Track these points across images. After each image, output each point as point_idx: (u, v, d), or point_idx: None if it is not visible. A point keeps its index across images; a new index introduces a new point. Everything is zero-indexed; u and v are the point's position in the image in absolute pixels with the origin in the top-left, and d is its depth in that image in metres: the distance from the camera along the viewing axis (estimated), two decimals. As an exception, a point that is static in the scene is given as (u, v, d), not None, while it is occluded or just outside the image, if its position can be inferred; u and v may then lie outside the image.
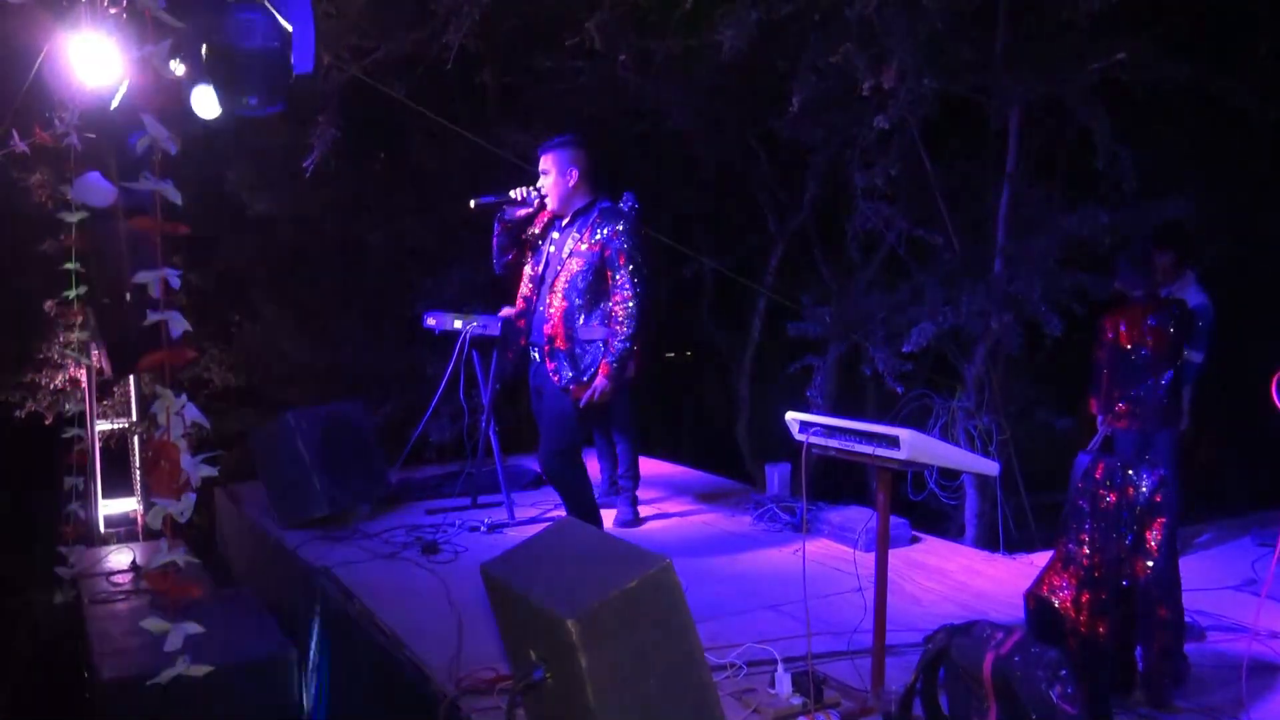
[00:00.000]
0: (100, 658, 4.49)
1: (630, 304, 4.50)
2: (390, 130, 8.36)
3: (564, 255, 4.58)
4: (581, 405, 4.54)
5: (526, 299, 4.75)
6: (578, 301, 4.54)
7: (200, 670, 3.15)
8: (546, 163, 4.63)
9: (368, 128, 8.07)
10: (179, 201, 2.97)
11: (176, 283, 3.02)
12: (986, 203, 6.99)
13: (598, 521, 4.81)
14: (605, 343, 4.53)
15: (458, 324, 5.72)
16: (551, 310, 4.58)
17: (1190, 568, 4.56)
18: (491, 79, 8.45)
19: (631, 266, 4.52)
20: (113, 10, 4.73)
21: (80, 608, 5.40)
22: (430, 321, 5.99)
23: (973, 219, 7.19)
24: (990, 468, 3.35)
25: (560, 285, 4.56)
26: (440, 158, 8.38)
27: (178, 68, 4.51)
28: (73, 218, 5.83)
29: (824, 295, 8.18)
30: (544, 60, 7.69)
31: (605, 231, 4.52)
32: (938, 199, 6.91)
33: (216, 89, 4.37)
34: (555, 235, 4.68)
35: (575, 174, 4.59)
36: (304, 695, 4.68)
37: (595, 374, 4.52)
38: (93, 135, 5.60)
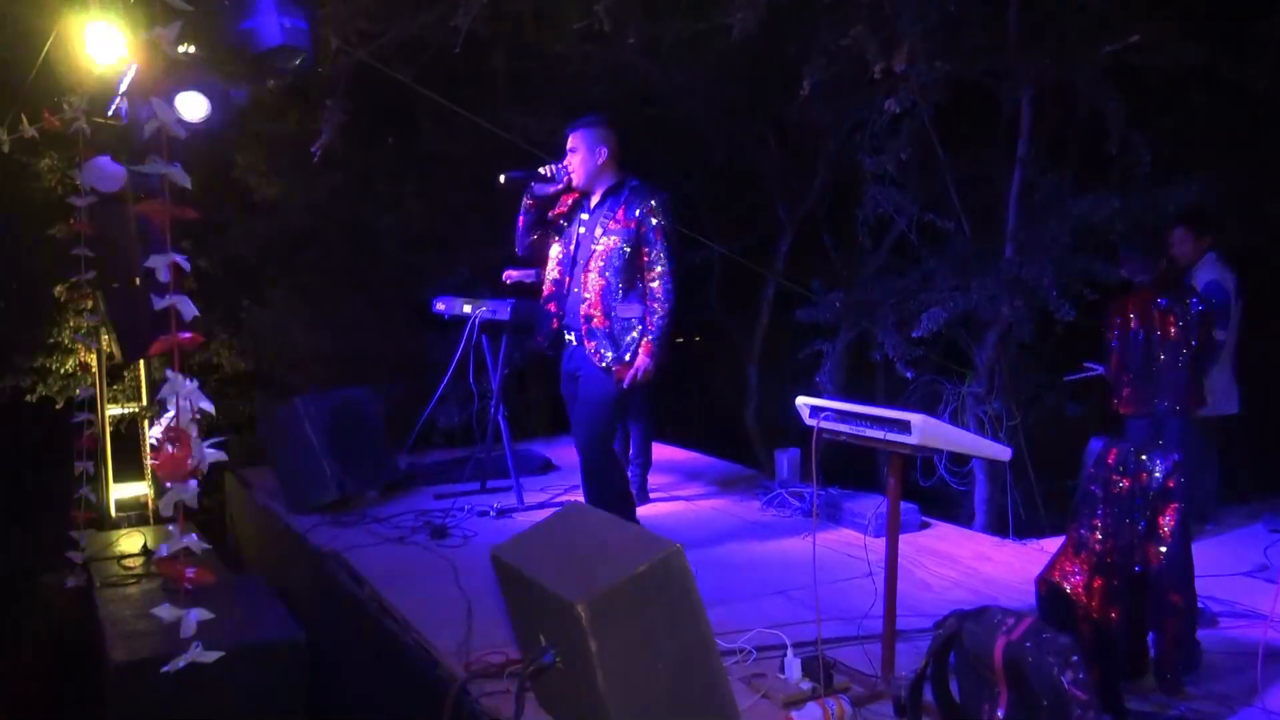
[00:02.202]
0: (111, 641, 4.50)
1: (668, 280, 4.48)
2: (398, 115, 8.34)
3: (596, 234, 4.53)
4: (625, 386, 4.49)
5: (556, 282, 4.69)
6: (615, 280, 4.49)
7: (211, 655, 3.16)
8: (575, 141, 4.58)
9: (376, 112, 8.05)
10: (188, 185, 2.96)
11: (188, 266, 3.02)
12: (998, 188, 6.96)
13: (632, 510, 4.76)
14: (644, 320, 4.48)
15: (467, 309, 5.71)
16: (587, 290, 4.53)
17: (1203, 554, 4.54)
18: (500, 63, 8.43)
19: (666, 243, 4.49)
20: (121, -7, 4.72)
21: (91, 591, 5.42)
22: (439, 306, 5.98)
23: (984, 204, 7.16)
24: (1001, 453, 3.34)
25: (595, 265, 4.51)
26: (448, 142, 8.36)
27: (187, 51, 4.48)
28: (82, 202, 5.84)
29: (834, 280, 8.16)
30: (553, 44, 7.66)
31: (640, 209, 4.48)
32: (949, 184, 6.87)
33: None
34: (584, 216, 4.63)
35: (604, 153, 4.55)
36: (313, 679, 4.69)
37: (636, 353, 4.47)
38: (101, 119, 5.60)
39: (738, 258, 8.42)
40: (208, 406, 3.18)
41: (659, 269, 4.48)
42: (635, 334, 4.49)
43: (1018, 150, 6.68)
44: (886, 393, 8.69)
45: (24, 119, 5.16)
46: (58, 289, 7.45)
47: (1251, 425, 7.97)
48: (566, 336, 4.66)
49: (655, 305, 4.47)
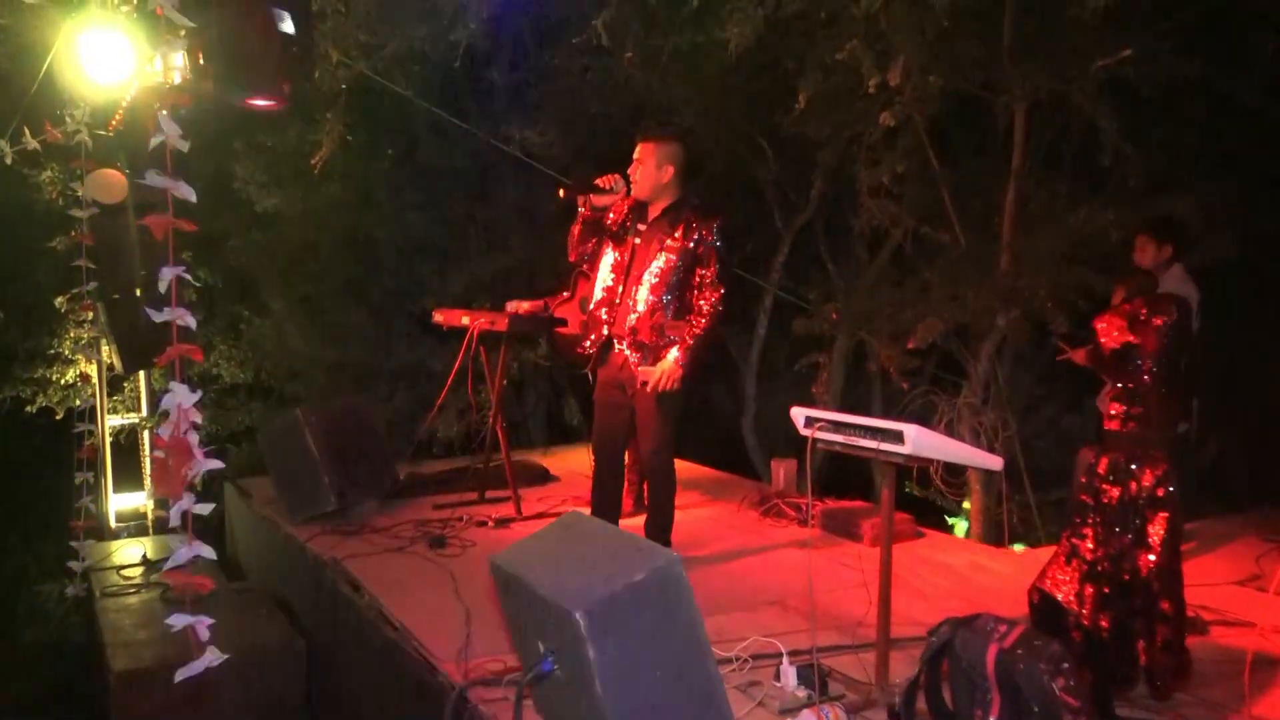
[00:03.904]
0: (112, 650, 4.54)
1: (716, 302, 4.50)
2: (398, 127, 8.39)
3: (653, 249, 4.56)
4: (648, 389, 4.49)
5: (609, 289, 4.69)
6: (666, 297, 4.53)
7: (219, 657, 3.20)
8: (642, 152, 4.57)
9: (376, 124, 8.10)
10: (194, 199, 3.00)
11: (196, 281, 3.06)
12: (993, 199, 7.00)
13: (670, 519, 4.79)
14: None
15: (465, 320, 5.74)
16: (638, 303, 4.56)
17: (1194, 563, 4.58)
18: (498, 75, 8.48)
19: (720, 266, 4.53)
20: (124, 8, 4.76)
21: (91, 601, 5.45)
22: (438, 317, 6.01)
23: (979, 216, 7.20)
24: (994, 463, 3.37)
25: (648, 279, 4.54)
26: (447, 154, 8.41)
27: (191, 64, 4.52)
28: (84, 214, 5.88)
29: (830, 292, 8.20)
30: (551, 57, 7.72)
31: (698, 230, 4.51)
32: (944, 196, 6.92)
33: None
34: (641, 227, 4.64)
35: (671, 170, 4.56)
36: (313, 688, 4.72)
37: (664, 360, 4.47)
38: (103, 132, 5.64)
39: (735, 269, 8.46)
40: (196, 419, 3.21)
41: (710, 290, 4.51)
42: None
43: (1012, 162, 6.72)
44: (884, 403, 8.73)
45: (26, 131, 5.20)
46: (58, 300, 7.48)
47: (1246, 435, 8.03)
48: (616, 346, 4.66)
49: (696, 319, 4.49)
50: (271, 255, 8.61)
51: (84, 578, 5.87)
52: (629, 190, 4.60)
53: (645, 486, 5.93)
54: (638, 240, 4.63)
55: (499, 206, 8.80)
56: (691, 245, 4.51)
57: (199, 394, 3.07)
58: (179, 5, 2.99)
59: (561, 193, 4.69)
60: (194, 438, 3.29)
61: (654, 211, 4.63)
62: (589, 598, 2.56)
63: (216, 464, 3.32)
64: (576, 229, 4.71)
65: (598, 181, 4.58)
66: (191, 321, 3.27)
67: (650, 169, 4.56)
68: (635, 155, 4.59)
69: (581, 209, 4.65)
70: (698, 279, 4.54)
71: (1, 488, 7.99)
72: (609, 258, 4.73)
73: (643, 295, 4.56)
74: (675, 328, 4.52)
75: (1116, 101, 6.24)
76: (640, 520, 5.44)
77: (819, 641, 3.45)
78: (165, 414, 3.22)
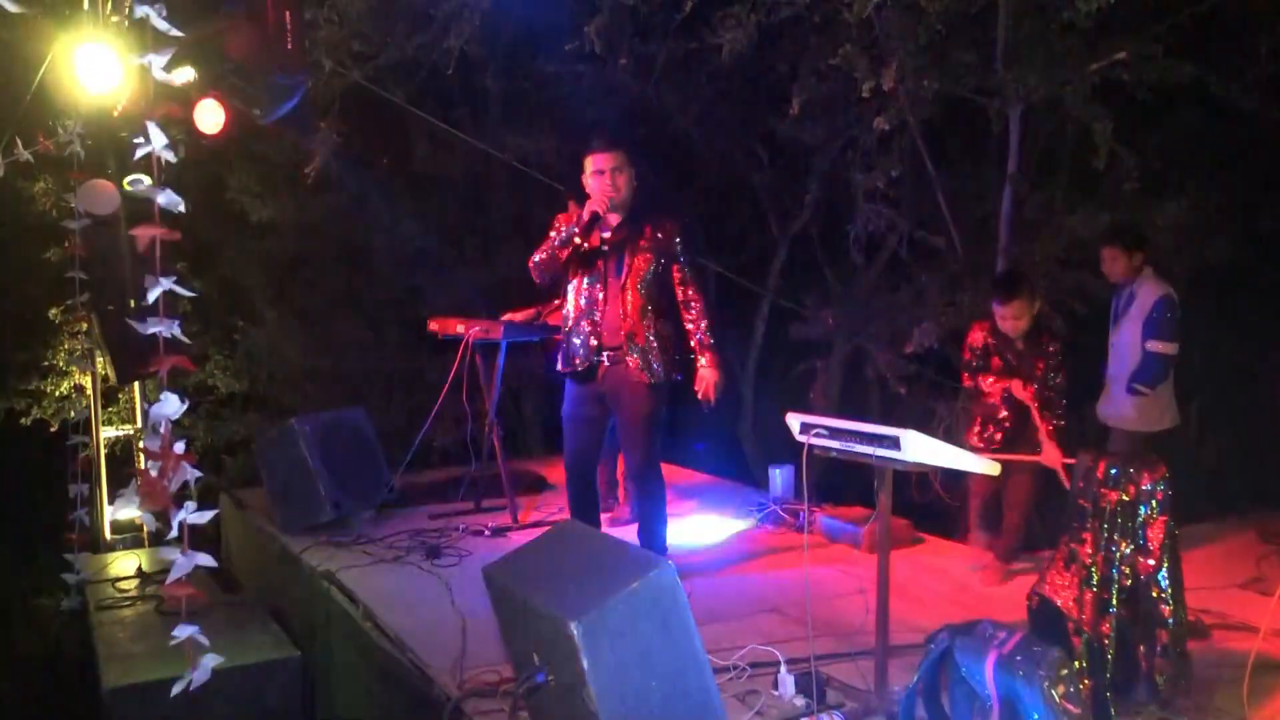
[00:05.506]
0: (106, 664, 4.50)
1: (700, 294, 4.63)
2: (392, 135, 8.38)
3: (626, 254, 4.55)
4: (713, 403, 4.58)
5: (590, 300, 4.60)
6: (651, 297, 4.56)
7: (213, 661, 3.17)
8: (619, 160, 4.50)
9: (369, 133, 8.09)
10: (180, 209, 2.98)
11: (190, 292, 3.05)
12: (988, 204, 7.00)
13: (664, 526, 4.77)
14: (677, 339, 4.59)
15: (460, 329, 5.73)
16: (625, 308, 4.55)
17: (1195, 567, 4.55)
18: (492, 83, 8.49)
19: (692, 259, 4.63)
20: (114, 19, 4.75)
21: (86, 614, 5.41)
22: (433, 326, 5.99)
23: (975, 220, 7.20)
24: (991, 468, 3.35)
25: (630, 283, 4.54)
26: (442, 162, 8.41)
27: (183, 75, 4.53)
28: (76, 225, 5.86)
29: (827, 297, 8.20)
30: (545, 64, 7.72)
31: (666, 227, 4.57)
32: (939, 200, 6.92)
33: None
34: (606, 235, 4.59)
35: (634, 172, 4.62)
36: (308, 700, 4.69)
37: (703, 369, 4.59)
38: (94, 143, 5.63)
39: (731, 275, 8.46)
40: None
41: (691, 285, 4.61)
42: (671, 353, 4.56)
43: (1007, 166, 6.72)
44: (881, 409, 8.72)
45: (18, 143, 5.18)
46: (52, 312, 7.46)
47: (1244, 438, 8.02)
48: (601, 358, 4.58)
49: (701, 320, 4.60)
50: (266, 265, 8.61)
51: (79, 590, 5.84)
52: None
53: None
54: (606, 249, 4.58)
55: (493, 214, 8.80)
56: (664, 244, 4.57)
57: (186, 404, 3.04)
58: (165, 14, 2.98)
59: (584, 245, 4.58)
60: (179, 447, 3.26)
61: (616, 217, 4.59)
62: (583, 607, 2.54)
63: (195, 472, 3.29)
64: (564, 253, 4.58)
65: (597, 211, 4.45)
66: (179, 332, 3.25)
67: (629, 176, 4.57)
68: (608, 165, 4.48)
69: (588, 241, 4.54)
70: (677, 276, 4.61)
71: (-4, 501, 7.97)
72: (580, 273, 4.63)
73: (629, 300, 4.55)
74: (663, 326, 4.57)
75: (1111, 105, 6.24)
76: (636, 529, 5.43)
77: (817, 649, 3.42)
78: (155, 426, 3.19)
